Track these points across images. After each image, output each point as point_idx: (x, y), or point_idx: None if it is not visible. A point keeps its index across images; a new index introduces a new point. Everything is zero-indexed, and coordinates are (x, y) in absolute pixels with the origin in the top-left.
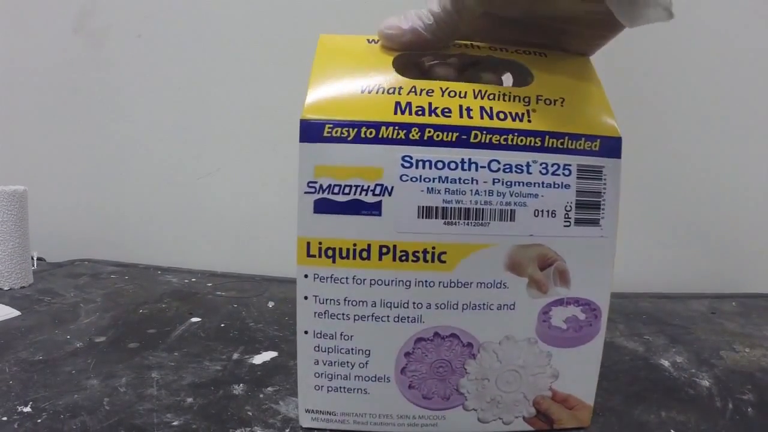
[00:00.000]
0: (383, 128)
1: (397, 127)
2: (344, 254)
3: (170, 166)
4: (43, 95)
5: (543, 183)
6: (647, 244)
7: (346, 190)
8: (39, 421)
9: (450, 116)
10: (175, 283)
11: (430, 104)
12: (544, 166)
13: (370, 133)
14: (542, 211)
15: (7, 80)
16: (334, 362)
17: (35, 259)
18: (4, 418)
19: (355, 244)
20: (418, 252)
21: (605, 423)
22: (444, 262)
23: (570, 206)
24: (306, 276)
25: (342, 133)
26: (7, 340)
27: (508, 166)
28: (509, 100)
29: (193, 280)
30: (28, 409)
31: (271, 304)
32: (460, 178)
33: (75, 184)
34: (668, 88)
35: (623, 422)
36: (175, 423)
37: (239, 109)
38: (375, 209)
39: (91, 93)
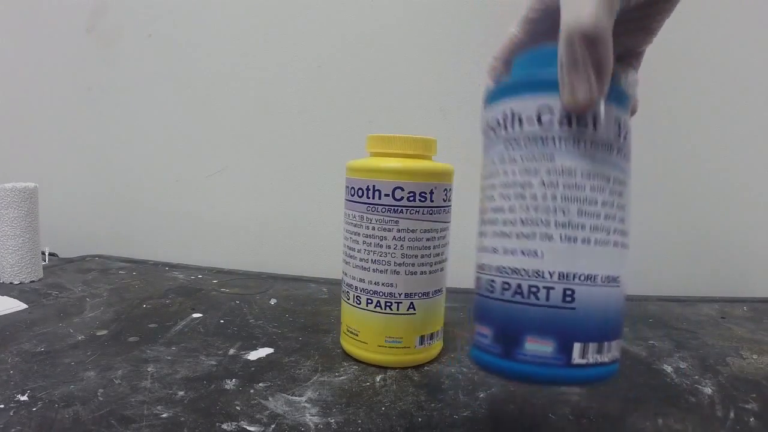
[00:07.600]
0: None
1: None
2: None
3: (179, 164)
4: (55, 94)
5: None
6: (657, 246)
7: None
8: (34, 409)
9: None
10: (181, 280)
11: None
12: None
13: None
14: None
15: (20, 79)
16: None
17: (47, 254)
18: (1, 406)
19: None
20: None
21: (597, 429)
22: None
23: None
24: None
25: None
26: (12, 332)
27: None
28: None
29: (200, 276)
30: (24, 398)
31: (273, 302)
32: None
33: (87, 181)
34: (678, 93)
35: (616, 429)
36: (164, 415)
37: (246, 109)
38: None
39: (102, 92)
